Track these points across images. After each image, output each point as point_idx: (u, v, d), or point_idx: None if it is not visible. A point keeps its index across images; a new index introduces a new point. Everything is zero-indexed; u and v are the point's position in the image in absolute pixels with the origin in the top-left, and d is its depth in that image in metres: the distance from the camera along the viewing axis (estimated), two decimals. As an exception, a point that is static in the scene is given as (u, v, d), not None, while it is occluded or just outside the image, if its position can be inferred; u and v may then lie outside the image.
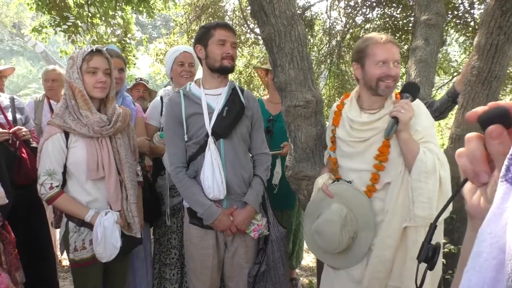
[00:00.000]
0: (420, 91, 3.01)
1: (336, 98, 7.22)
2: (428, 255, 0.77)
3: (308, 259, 4.09)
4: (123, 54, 2.90)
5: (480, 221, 0.55)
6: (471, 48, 5.99)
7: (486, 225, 0.47)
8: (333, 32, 7.10)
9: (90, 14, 6.68)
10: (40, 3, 6.26)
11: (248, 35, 7.70)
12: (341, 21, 7.06)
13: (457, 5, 5.89)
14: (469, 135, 0.53)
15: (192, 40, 8.00)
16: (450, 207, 1.61)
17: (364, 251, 1.83)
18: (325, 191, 1.91)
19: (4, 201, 1.83)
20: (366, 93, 1.89)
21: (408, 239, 1.72)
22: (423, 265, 0.81)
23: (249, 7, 2.19)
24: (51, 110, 3.48)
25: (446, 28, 5.86)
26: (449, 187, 1.67)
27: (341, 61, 7.07)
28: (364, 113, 1.89)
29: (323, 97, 7.35)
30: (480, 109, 0.51)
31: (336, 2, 6.88)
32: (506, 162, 0.47)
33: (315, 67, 6.94)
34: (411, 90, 1.78)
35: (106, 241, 1.96)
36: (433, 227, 0.75)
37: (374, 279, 1.78)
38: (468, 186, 0.56)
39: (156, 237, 2.80)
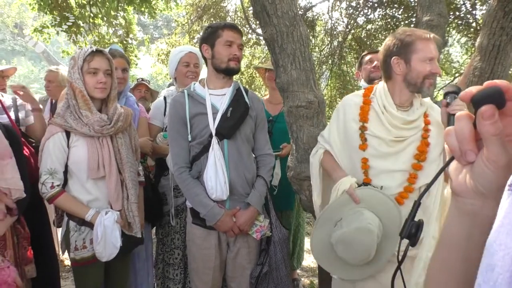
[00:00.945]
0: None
1: (338, 99, 7.22)
2: (411, 231, 0.77)
3: (309, 260, 4.09)
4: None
5: (465, 199, 0.55)
6: (473, 49, 5.99)
7: (495, 236, 0.46)
8: (335, 32, 7.11)
9: (92, 15, 6.69)
10: (42, 3, 6.28)
11: (249, 36, 7.71)
12: (343, 21, 7.06)
13: (459, 6, 5.89)
14: (459, 113, 0.53)
15: (194, 41, 8.04)
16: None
17: (384, 261, 1.73)
18: (352, 195, 1.76)
19: (22, 195, 1.85)
20: (403, 89, 1.79)
21: None
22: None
23: (251, 8, 2.20)
24: (51, 110, 3.49)
25: (448, 29, 5.86)
26: None
27: (342, 61, 7.07)
28: (397, 110, 1.82)
29: (325, 97, 7.35)
30: (474, 89, 0.51)
31: (338, 3, 6.88)
32: None
33: (317, 68, 6.94)
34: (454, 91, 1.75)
35: (106, 241, 1.96)
36: (417, 205, 0.75)
37: (416, 284, 1.69)
38: (454, 164, 0.56)
39: (159, 237, 2.80)
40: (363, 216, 1.70)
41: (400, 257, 0.84)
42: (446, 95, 1.73)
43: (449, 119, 1.65)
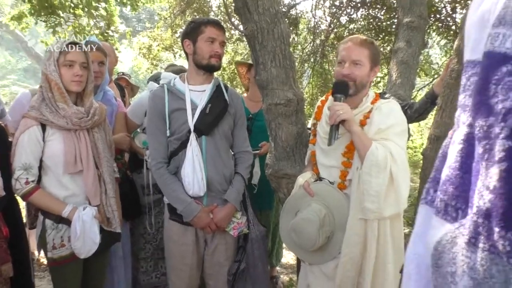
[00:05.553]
0: (400, 92, 3.06)
1: (319, 97, 7.26)
2: None
3: (288, 257, 4.11)
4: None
5: None
6: (452, 51, 6.09)
7: (412, 246, 0.50)
8: (318, 31, 7.13)
9: (72, 5, 6.55)
10: (20, -8, 6.11)
11: (232, 32, 7.68)
12: (326, 20, 7.09)
13: (439, 8, 5.98)
14: None
15: (176, 35, 7.95)
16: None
17: (338, 249, 1.86)
18: (306, 189, 1.93)
19: (1, 193, 1.80)
20: None
21: (366, 234, 1.76)
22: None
23: (233, 4, 2.19)
24: None
25: (428, 31, 5.95)
26: (402, 182, 1.70)
27: (324, 60, 7.11)
28: None
29: (306, 95, 7.38)
30: None
31: (321, 2, 6.91)
32: (426, 185, 0.50)
33: (299, 66, 6.96)
34: (340, 90, 1.81)
35: (85, 236, 1.93)
36: None
37: (345, 277, 1.81)
38: None
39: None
40: (310, 207, 1.87)
41: None
42: (334, 94, 1.82)
43: (331, 130, 1.77)
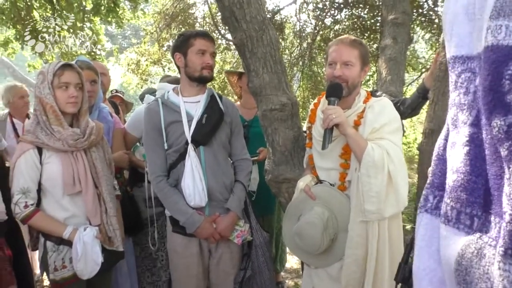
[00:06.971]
0: (392, 89, 3.08)
1: (311, 100, 7.32)
2: (405, 275, 0.76)
3: (293, 261, 4.10)
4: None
5: None
6: (437, 44, 6.16)
7: (418, 261, 0.48)
8: (304, 34, 7.19)
9: (57, 27, 6.55)
10: (4, 17, 6.11)
11: (219, 41, 7.71)
12: (311, 23, 7.16)
13: (421, 3, 6.06)
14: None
15: (164, 49, 7.96)
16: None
17: (343, 251, 1.85)
18: (307, 193, 1.93)
19: (4, 217, 1.79)
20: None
21: (367, 235, 1.76)
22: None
23: (219, 14, 2.21)
24: (15, 129, 3.45)
25: (412, 26, 6.02)
26: (400, 181, 1.70)
27: (313, 62, 7.17)
28: None
29: (298, 99, 7.42)
30: None
31: (305, 5, 6.97)
32: (424, 192, 0.49)
33: (288, 70, 7.00)
34: (334, 93, 1.82)
35: (87, 257, 1.92)
36: (408, 248, 0.75)
37: (351, 279, 1.81)
38: None
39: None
40: (312, 211, 1.87)
41: None
42: (328, 97, 1.82)
43: (325, 134, 1.78)
